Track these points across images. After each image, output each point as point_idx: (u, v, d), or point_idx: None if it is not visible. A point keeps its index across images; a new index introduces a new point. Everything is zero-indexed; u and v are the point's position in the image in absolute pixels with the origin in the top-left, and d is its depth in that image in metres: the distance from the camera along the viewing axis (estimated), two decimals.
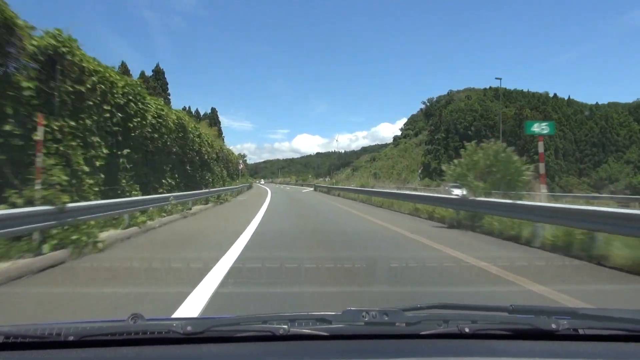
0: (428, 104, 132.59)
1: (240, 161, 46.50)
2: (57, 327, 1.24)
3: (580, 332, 1.33)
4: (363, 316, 1.31)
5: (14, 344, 1.22)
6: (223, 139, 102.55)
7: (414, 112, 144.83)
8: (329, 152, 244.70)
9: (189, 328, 1.22)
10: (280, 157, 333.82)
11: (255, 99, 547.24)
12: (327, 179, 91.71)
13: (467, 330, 1.28)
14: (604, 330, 1.33)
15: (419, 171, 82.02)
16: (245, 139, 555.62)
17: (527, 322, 1.34)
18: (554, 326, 1.29)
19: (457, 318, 1.35)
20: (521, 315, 1.41)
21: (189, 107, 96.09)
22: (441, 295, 3.63)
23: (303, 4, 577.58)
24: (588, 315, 1.42)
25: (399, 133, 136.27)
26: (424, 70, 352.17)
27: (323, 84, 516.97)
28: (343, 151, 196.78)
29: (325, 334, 1.26)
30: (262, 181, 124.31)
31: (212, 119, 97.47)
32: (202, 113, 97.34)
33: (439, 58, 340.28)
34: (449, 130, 71.10)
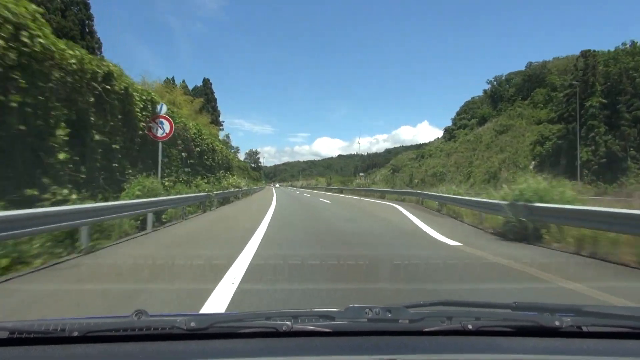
0: (495, 82, 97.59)
1: (159, 107, 11.82)
2: (62, 322, 1.20)
3: (584, 329, 1.28)
4: (366, 313, 1.26)
5: (18, 339, 1.17)
6: (221, 126, 70.15)
7: (468, 99, 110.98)
8: (351, 154, 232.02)
9: (192, 324, 1.19)
10: (301, 160, 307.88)
11: (276, 103, 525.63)
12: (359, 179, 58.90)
13: (470, 327, 1.24)
14: (608, 327, 1.28)
15: (531, 166, 47.74)
16: (266, 142, 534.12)
17: (531, 319, 1.29)
18: (557, 323, 1.24)
19: (460, 315, 1.30)
20: (524, 312, 1.37)
21: (173, 78, 64.24)
22: None
23: (323, 8, 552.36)
24: (591, 312, 1.36)
25: (416, 133, 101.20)
26: (446, 67, 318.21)
27: (344, 88, 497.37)
28: (366, 153, 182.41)
29: (328, 330, 1.23)
30: (277, 184, 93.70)
31: (204, 92, 65.42)
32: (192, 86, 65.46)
33: (459, 54, 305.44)
34: (616, 90, 37.38)
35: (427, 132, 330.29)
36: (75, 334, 1.17)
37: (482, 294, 3.68)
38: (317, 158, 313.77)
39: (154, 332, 1.21)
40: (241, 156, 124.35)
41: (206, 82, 65.30)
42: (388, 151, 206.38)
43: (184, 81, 61.62)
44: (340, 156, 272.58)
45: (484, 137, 75.33)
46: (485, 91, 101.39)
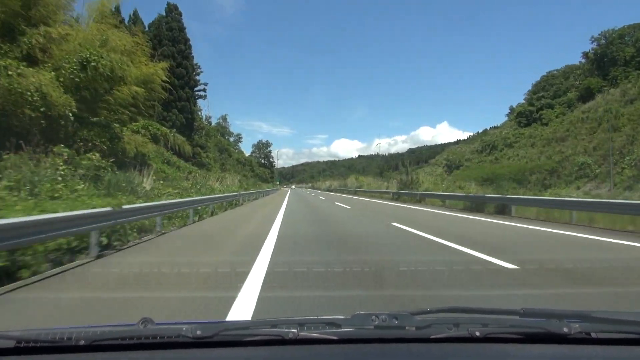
0: (604, 40, 67.30)
1: None
2: (68, 331, 1.17)
3: (593, 335, 1.22)
4: (372, 320, 1.22)
5: (25, 348, 1.14)
6: (199, 87, 42.43)
7: (543, 74, 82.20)
8: (371, 155, 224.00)
9: (198, 332, 1.16)
10: (320, 160, 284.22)
11: (294, 105, 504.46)
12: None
13: (477, 334, 1.19)
14: (617, 333, 1.23)
15: None
16: (284, 144, 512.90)
17: (539, 325, 1.24)
18: (565, 330, 1.19)
19: (467, 322, 1.25)
20: (532, 319, 1.31)
21: (118, 6, 36.42)
22: None
23: (339, 10, 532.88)
24: (600, 319, 1.29)
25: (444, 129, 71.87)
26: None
27: (361, 89, 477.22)
28: (387, 154, 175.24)
29: (334, 338, 1.18)
30: (293, 186, 68.32)
31: (168, 26, 37.69)
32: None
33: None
34: None
35: (447, 133, 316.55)
36: (82, 342, 1.14)
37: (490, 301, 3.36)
38: (335, 159, 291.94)
39: (160, 340, 1.16)
40: (247, 149, 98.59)
41: (172, 9, 36.89)
42: (411, 151, 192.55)
43: (135, 11, 33.72)
44: (360, 157, 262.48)
45: (627, 110, 45.77)
46: (586, 54, 70.91)
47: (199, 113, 55.85)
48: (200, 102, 71.46)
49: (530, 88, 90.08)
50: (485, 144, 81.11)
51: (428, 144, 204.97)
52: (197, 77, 41.95)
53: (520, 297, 3.51)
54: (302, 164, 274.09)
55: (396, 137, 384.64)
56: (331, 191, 59.07)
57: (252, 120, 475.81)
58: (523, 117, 79.84)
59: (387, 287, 3.95)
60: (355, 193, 39.15)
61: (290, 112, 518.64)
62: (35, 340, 1.15)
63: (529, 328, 1.24)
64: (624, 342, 1.22)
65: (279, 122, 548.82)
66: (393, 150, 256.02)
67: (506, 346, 1.20)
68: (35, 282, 4.22)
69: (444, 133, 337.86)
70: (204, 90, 42.72)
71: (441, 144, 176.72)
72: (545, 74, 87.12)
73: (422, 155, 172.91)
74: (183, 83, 35.77)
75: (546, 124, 67.19)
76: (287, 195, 35.66)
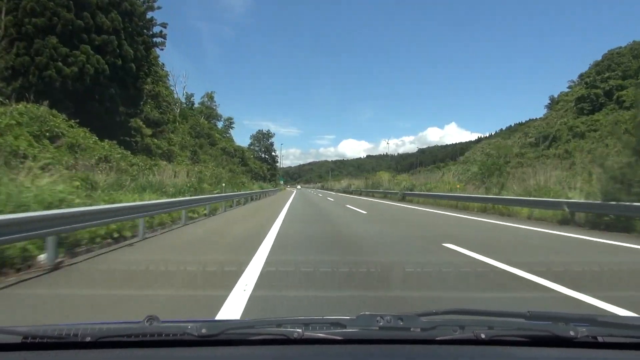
0: None
1: None
2: (75, 328, 1.17)
3: (600, 339, 1.20)
4: (377, 321, 1.21)
5: (32, 344, 1.14)
6: (159, 47, 27.07)
7: (605, 52, 66.71)
8: (380, 154, 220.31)
9: (203, 330, 1.16)
10: (328, 160, 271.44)
11: (302, 105, 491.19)
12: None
13: (483, 336, 1.17)
14: (625, 338, 1.21)
15: None
16: (292, 144, 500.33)
17: (545, 328, 1.22)
18: (572, 333, 1.18)
19: (473, 324, 1.24)
20: (539, 322, 1.29)
21: None
22: None
23: (347, 10, 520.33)
24: (608, 323, 1.28)
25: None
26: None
27: (369, 91, 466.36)
28: (396, 153, 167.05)
29: (339, 338, 1.18)
30: (298, 186, 54.99)
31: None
32: None
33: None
34: None
35: (455, 134, 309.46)
36: (88, 339, 1.14)
37: (495, 303, 3.40)
38: (343, 159, 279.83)
39: (165, 338, 1.17)
40: (244, 139, 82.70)
41: None
42: (422, 151, 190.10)
43: None
44: (369, 156, 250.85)
45: None
46: None
47: (169, 81, 40.73)
48: (176, 77, 55.47)
49: (574, 76, 74.32)
50: (540, 135, 65.08)
51: (437, 145, 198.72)
52: (150, 14, 26.30)
53: (527, 300, 3.47)
54: (309, 164, 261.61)
55: (404, 137, 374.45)
56: (350, 193, 43.59)
57: (259, 120, 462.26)
58: (586, 102, 63.94)
59: None
60: (403, 199, 23.55)
61: (298, 112, 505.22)
62: (42, 336, 1.14)
63: (535, 331, 1.22)
64: (631, 347, 1.19)
65: (287, 122, 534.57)
66: (401, 150, 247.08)
67: (512, 349, 1.19)
68: None
69: (452, 134, 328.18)
70: (162, 35, 27.40)
71: (452, 144, 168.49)
72: (606, 52, 71.28)
73: (436, 155, 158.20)
74: (107, 4, 20.24)
75: (628, 108, 51.52)
76: (287, 203, 20.21)
